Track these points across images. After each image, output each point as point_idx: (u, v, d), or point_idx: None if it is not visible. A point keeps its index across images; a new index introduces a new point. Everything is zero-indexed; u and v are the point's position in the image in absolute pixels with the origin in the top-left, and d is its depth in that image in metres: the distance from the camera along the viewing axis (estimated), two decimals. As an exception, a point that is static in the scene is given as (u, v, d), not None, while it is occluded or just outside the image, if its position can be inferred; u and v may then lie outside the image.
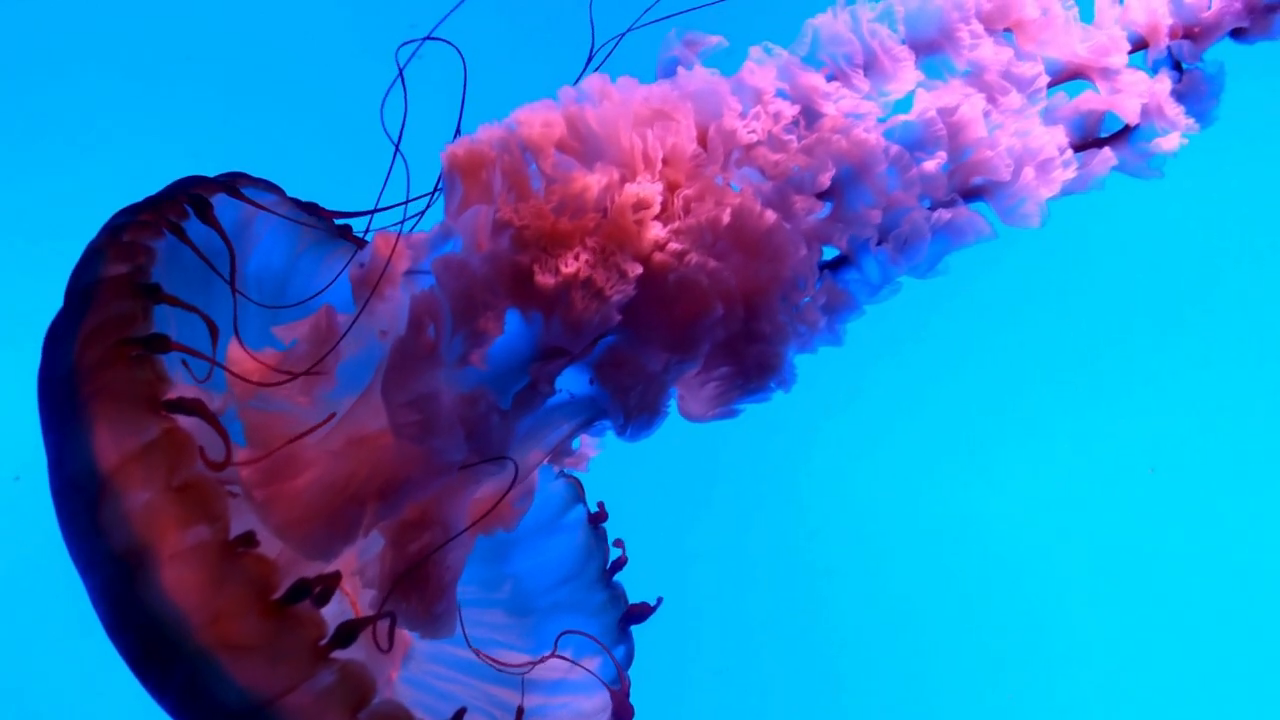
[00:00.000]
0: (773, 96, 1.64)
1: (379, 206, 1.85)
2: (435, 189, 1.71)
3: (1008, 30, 1.75)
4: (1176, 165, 1.86)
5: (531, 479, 1.77)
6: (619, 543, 2.11)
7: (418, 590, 1.61)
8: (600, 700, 1.96)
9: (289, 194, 1.96)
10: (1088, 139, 1.80)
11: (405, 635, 1.85)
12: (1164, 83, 1.79)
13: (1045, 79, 1.73)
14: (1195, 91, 1.81)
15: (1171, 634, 4.14)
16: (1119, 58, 1.75)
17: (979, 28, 1.69)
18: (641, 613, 2.06)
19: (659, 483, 3.84)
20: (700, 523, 4.21)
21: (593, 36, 1.82)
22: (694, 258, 1.56)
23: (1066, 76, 1.78)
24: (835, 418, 4.28)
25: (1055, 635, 4.17)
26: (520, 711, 1.88)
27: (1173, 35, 1.79)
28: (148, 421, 1.47)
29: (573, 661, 1.97)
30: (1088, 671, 4.15)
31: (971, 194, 1.71)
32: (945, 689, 4.12)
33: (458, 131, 1.75)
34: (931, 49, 1.72)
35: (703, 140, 1.62)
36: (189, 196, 1.73)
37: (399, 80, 1.79)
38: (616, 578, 2.11)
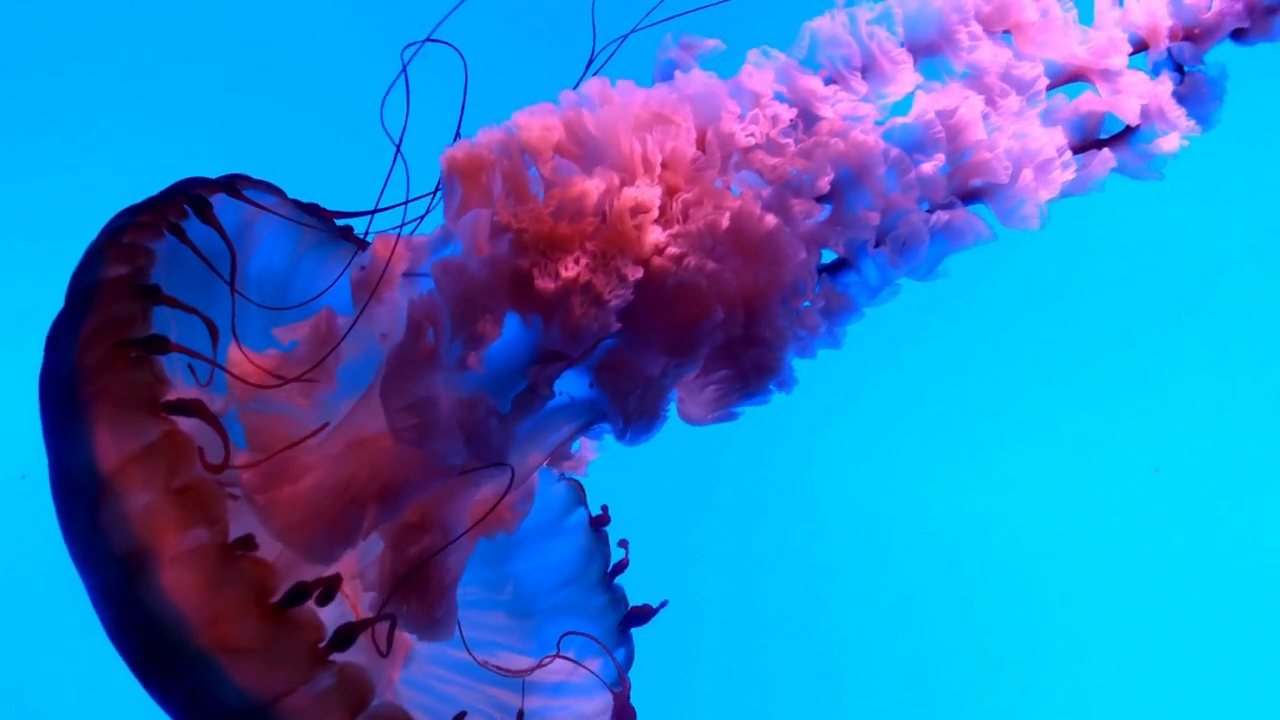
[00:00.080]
0: (771, 99, 1.64)
1: (380, 207, 1.85)
2: (435, 191, 1.71)
3: (1007, 32, 1.74)
4: (1180, 166, 1.85)
5: (531, 481, 1.77)
6: (624, 543, 2.11)
7: (418, 593, 1.61)
8: (601, 703, 1.96)
9: (290, 196, 1.96)
10: (1088, 141, 1.79)
11: (406, 637, 1.85)
12: (1165, 85, 1.79)
13: (1044, 81, 1.72)
14: (1197, 94, 1.81)
15: (1175, 633, 4.14)
16: (1118, 59, 1.74)
17: (978, 29, 1.69)
18: (642, 615, 2.06)
19: (664, 483, 3.84)
20: (704, 523, 4.21)
21: (594, 39, 1.82)
22: (693, 261, 1.56)
23: (1066, 79, 1.78)
24: (839, 418, 4.28)
25: (1059, 635, 4.17)
26: (521, 714, 1.89)
27: (1173, 37, 1.79)
28: (147, 423, 1.47)
29: (576, 662, 1.97)
30: (1092, 671, 4.15)
31: (970, 196, 1.71)
32: (949, 689, 4.12)
33: (458, 133, 1.75)
34: (930, 51, 1.71)
35: (702, 144, 1.62)
36: (189, 197, 1.73)
37: (400, 81, 1.79)
38: (619, 580, 2.11)
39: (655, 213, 1.56)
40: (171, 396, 1.51)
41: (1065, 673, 4.16)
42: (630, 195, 1.54)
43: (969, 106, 1.67)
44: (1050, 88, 1.75)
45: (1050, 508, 4.26)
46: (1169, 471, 4.23)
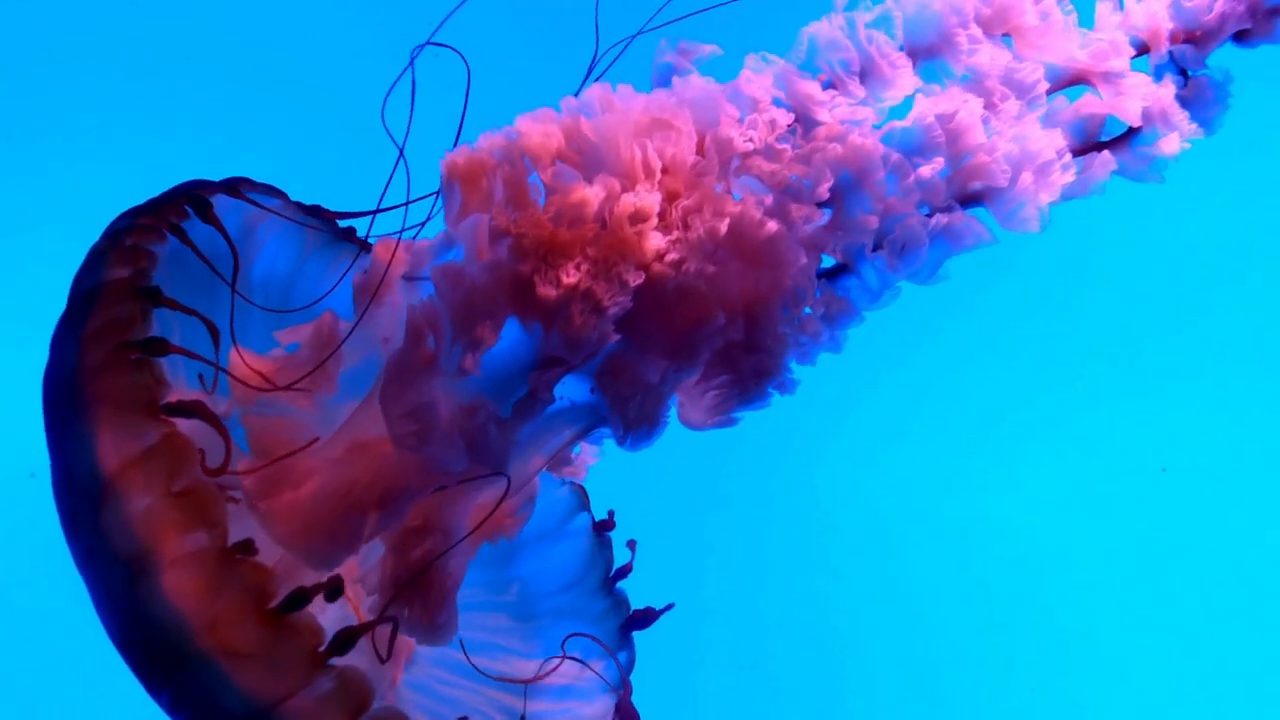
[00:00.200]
0: (769, 104, 1.64)
1: (383, 207, 1.85)
2: (438, 194, 1.71)
3: (1006, 35, 1.74)
4: (1186, 168, 1.85)
5: (533, 485, 1.77)
6: (631, 544, 2.11)
7: (420, 597, 1.61)
8: (602, 706, 1.96)
9: (293, 199, 1.96)
10: (1088, 143, 1.79)
11: (409, 639, 1.85)
12: (1168, 88, 1.78)
13: (1045, 85, 1.72)
14: (1201, 98, 1.80)
15: (1183, 633, 4.14)
16: (1119, 62, 1.74)
17: (977, 32, 1.69)
18: (645, 618, 2.06)
19: (672, 484, 3.84)
20: (712, 524, 4.21)
21: (597, 41, 1.82)
22: (693, 266, 1.56)
23: (1067, 82, 1.77)
24: (848, 420, 4.28)
25: (1067, 635, 4.17)
26: (523, 718, 1.89)
27: (1174, 40, 1.78)
28: (147, 426, 1.48)
29: (583, 662, 1.98)
30: (1100, 670, 4.15)
31: (970, 199, 1.70)
32: (958, 690, 4.12)
33: (459, 136, 1.75)
34: (930, 54, 1.71)
35: (701, 149, 1.62)
36: (190, 198, 1.73)
37: (400, 82, 1.79)
38: (625, 582, 2.11)
39: (655, 220, 1.56)
40: (172, 399, 1.51)
41: (1073, 672, 4.15)
42: (630, 201, 1.54)
43: (968, 110, 1.66)
44: (1050, 91, 1.74)
45: (1058, 508, 4.26)
46: (1176, 471, 4.23)
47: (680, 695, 3.95)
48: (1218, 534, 4.17)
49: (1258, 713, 4.01)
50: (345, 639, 1.43)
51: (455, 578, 1.65)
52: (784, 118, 1.63)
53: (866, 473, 4.24)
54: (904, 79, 1.68)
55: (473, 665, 1.88)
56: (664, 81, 1.69)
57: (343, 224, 2.01)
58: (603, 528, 2.12)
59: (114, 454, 1.46)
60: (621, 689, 2.00)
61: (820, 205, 1.64)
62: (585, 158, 1.60)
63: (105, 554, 1.45)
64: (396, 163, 1.79)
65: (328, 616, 1.71)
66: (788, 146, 1.62)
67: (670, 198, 1.58)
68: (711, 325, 1.57)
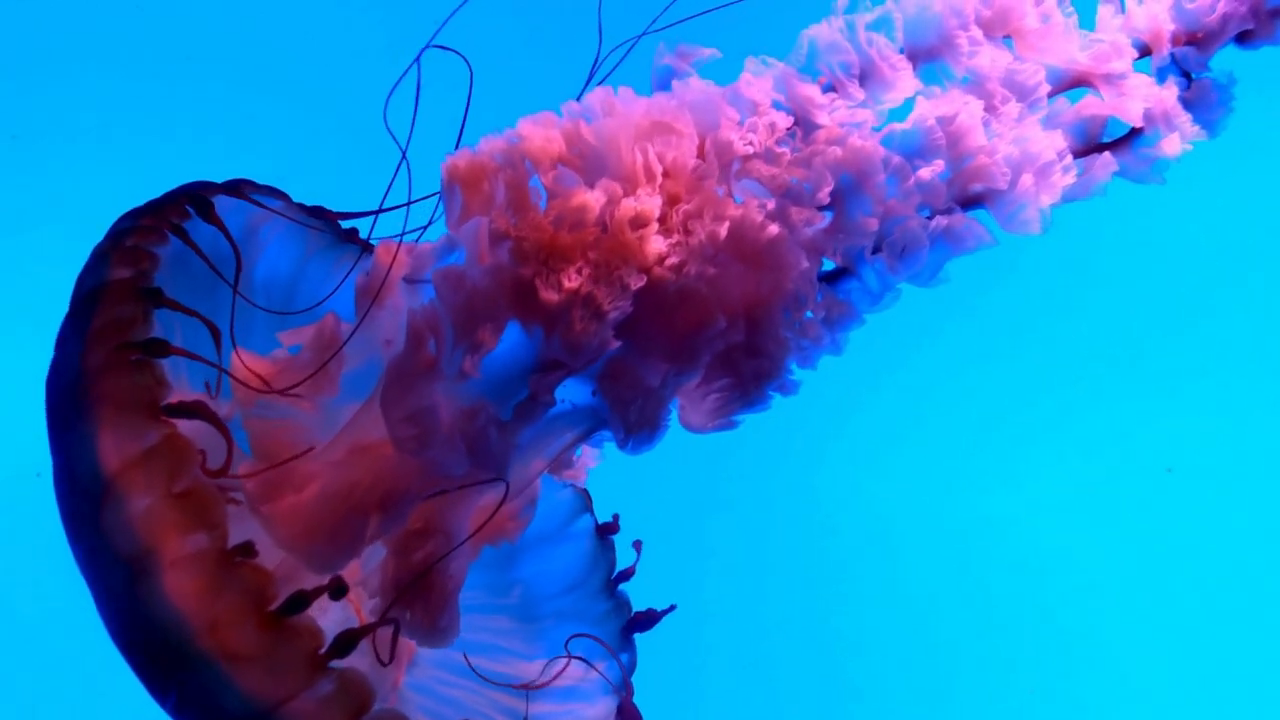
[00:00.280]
0: (768, 108, 1.64)
1: (385, 208, 1.85)
2: (441, 195, 1.71)
3: (1007, 37, 1.73)
4: (1191, 169, 1.85)
5: (534, 488, 1.77)
6: (637, 544, 2.11)
7: (421, 600, 1.61)
8: (604, 707, 1.97)
9: (295, 199, 1.96)
10: (1090, 145, 1.78)
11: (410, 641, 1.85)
12: (1171, 90, 1.78)
13: (1046, 87, 1.71)
14: (1204, 100, 1.79)
15: (1187, 633, 4.13)
16: (1121, 63, 1.73)
17: (978, 34, 1.68)
18: (647, 620, 2.06)
19: (674, 484, 3.84)
20: (715, 524, 4.21)
21: (599, 43, 1.82)
22: (694, 269, 1.56)
23: (1069, 84, 1.77)
24: (850, 422, 4.28)
25: (1070, 636, 4.16)
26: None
27: (1175, 42, 1.77)
28: (148, 427, 1.48)
29: (587, 663, 1.98)
30: (1103, 671, 4.14)
31: (971, 202, 1.70)
32: (960, 691, 4.12)
33: (460, 137, 1.75)
34: (930, 56, 1.70)
35: (702, 152, 1.62)
36: (191, 198, 1.73)
37: (405, 81, 1.79)
38: (628, 584, 2.11)
39: (655, 224, 1.56)
40: (173, 400, 1.51)
41: (1075, 674, 4.15)
42: (630, 206, 1.54)
43: (969, 112, 1.66)
44: (1052, 94, 1.74)
45: (1060, 509, 4.25)
46: (1181, 472, 4.23)
47: (683, 696, 3.95)
48: (1221, 535, 4.17)
49: (1260, 713, 4.00)
50: (346, 641, 1.44)
51: (457, 580, 1.65)
52: (783, 121, 1.63)
53: (868, 474, 4.24)
54: (904, 81, 1.68)
55: (473, 668, 1.88)
56: (664, 84, 1.69)
57: (345, 225, 2.01)
58: (606, 530, 2.13)
59: (115, 454, 1.47)
60: (624, 690, 2.00)
61: (821, 208, 1.64)
62: (587, 161, 1.60)
63: (106, 554, 1.46)
64: (399, 165, 1.79)
65: (330, 618, 1.72)
66: (787, 150, 1.62)
67: (671, 201, 1.58)
68: (712, 328, 1.57)
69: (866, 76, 1.68)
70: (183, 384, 1.70)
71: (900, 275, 1.67)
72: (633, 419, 1.61)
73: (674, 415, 1.69)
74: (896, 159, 1.64)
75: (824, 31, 1.67)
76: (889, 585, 4.16)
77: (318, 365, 1.66)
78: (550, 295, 1.53)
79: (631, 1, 1.89)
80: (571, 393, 1.68)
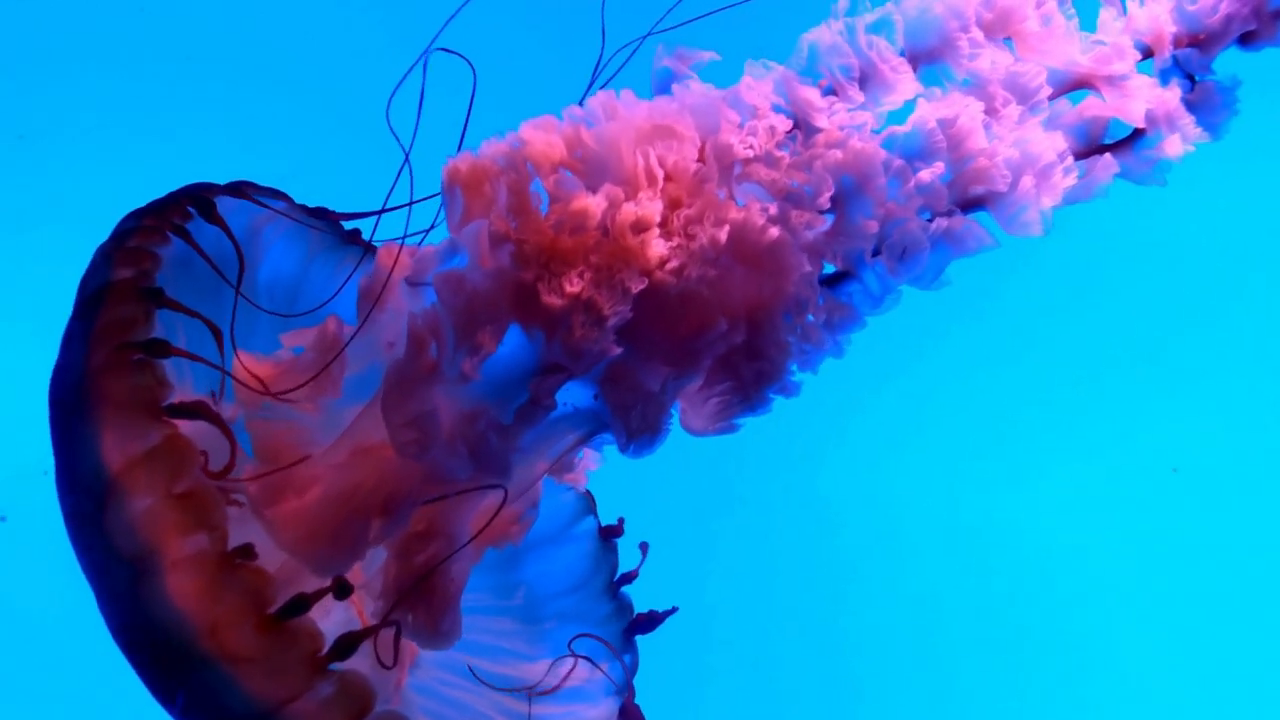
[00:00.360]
0: (769, 111, 1.63)
1: (389, 207, 1.85)
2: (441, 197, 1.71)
3: (1008, 39, 1.73)
4: (1195, 171, 1.84)
5: (536, 490, 1.77)
6: (643, 546, 2.11)
7: (423, 602, 1.61)
8: (606, 709, 1.97)
9: (299, 201, 1.96)
10: (1091, 147, 1.78)
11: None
12: (1174, 92, 1.77)
13: (1048, 90, 1.71)
14: (1208, 102, 1.79)
15: (1193, 632, 4.13)
16: (1122, 65, 1.73)
17: (979, 36, 1.68)
18: (649, 622, 2.06)
19: (679, 486, 3.85)
20: (721, 525, 4.21)
21: (603, 45, 1.81)
22: (695, 272, 1.56)
23: (1070, 86, 1.76)
24: (858, 421, 4.28)
25: (1077, 635, 4.17)
26: (527, 720, 1.90)
27: (1177, 44, 1.77)
28: (150, 427, 1.48)
29: (592, 662, 1.98)
30: (1110, 668, 4.14)
31: (972, 204, 1.69)
32: (967, 691, 4.12)
33: (463, 138, 1.75)
34: (931, 58, 1.70)
35: (703, 156, 1.62)
36: (193, 199, 1.73)
37: (409, 81, 1.79)
38: (632, 586, 2.11)
39: (656, 229, 1.55)
40: (175, 400, 1.52)
41: (1083, 672, 4.15)
42: (631, 210, 1.54)
43: (969, 114, 1.66)
44: (1053, 96, 1.74)
45: (1067, 509, 4.26)
46: (1187, 471, 4.23)
47: (687, 697, 3.95)
48: (1226, 534, 4.17)
49: (1266, 713, 4.00)
50: (346, 644, 1.44)
51: (459, 583, 1.65)
52: (783, 124, 1.63)
53: (874, 475, 4.25)
54: (905, 84, 1.67)
55: (475, 670, 1.88)
56: (664, 87, 1.69)
57: (348, 226, 2.01)
58: (610, 533, 2.12)
59: (118, 454, 1.47)
60: (626, 692, 2.00)
61: (822, 211, 1.63)
62: (588, 165, 1.59)
63: (110, 554, 1.46)
64: (402, 166, 1.79)
65: (333, 620, 1.72)
66: (786, 154, 1.62)
67: (673, 205, 1.58)
68: (713, 331, 1.57)
69: (867, 79, 1.68)
70: (186, 386, 1.71)
71: (901, 277, 1.67)
72: (634, 423, 1.61)
73: (675, 418, 1.69)
74: (898, 162, 1.64)
75: (824, 35, 1.66)
76: (894, 585, 4.16)
77: (320, 368, 1.66)
78: (552, 300, 1.53)
79: (636, 2, 1.89)
80: (573, 396, 1.67)
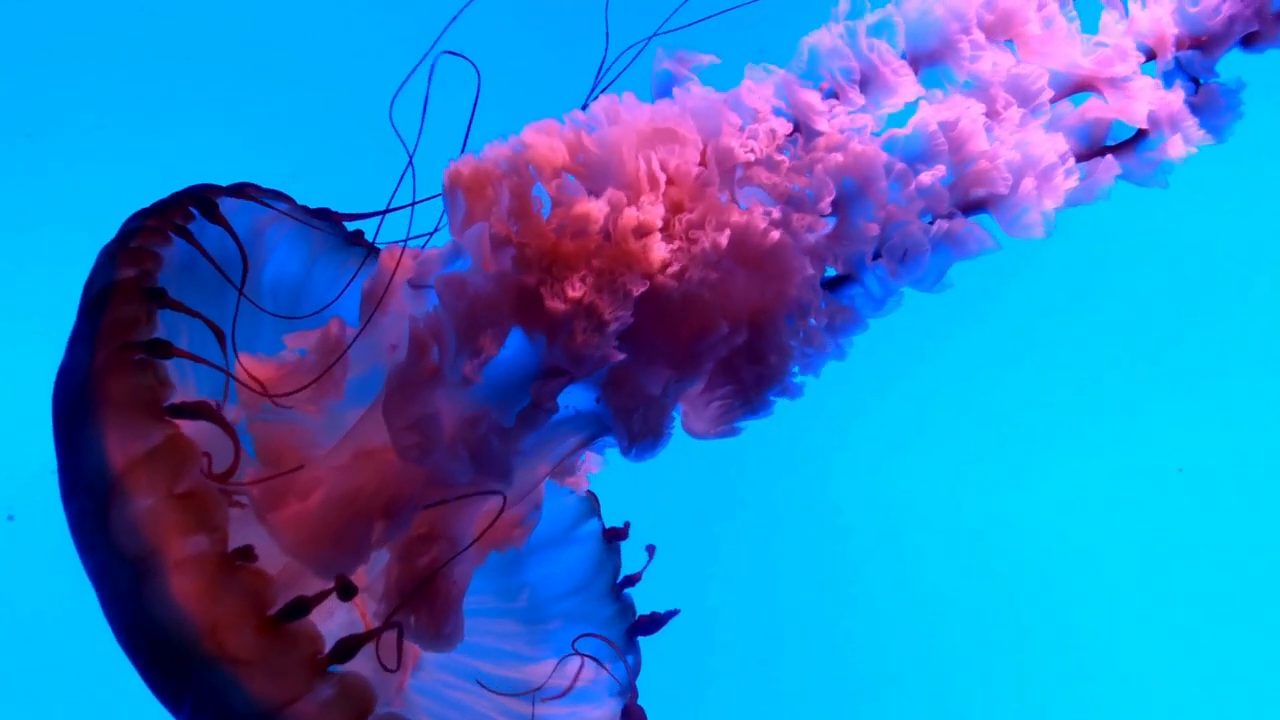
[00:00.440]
0: (769, 114, 1.63)
1: (392, 207, 1.85)
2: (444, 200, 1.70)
3: (1010, 41, 1.73)
4: (1202, 173, 1.84)
5: (538, 493, 1.77)
6: (650, 549, 2.11)
7: (426, 605, 1.62)
8: (609, 709, 1.97)
9: (305, 202, 1.96)
10: (1094, 148, 1.77)
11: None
12: (1177, 94, 1.77)
13: (1049, 92, 1.71)
14: (1212, 104, 1.78)
15: (1198, 632, 4.13)
16: (1124, 66, 1.73)
17: (980, 38, 1.68)
18: (651, 623, 2.06)
19: (684, 487, 3.85)
20: (726, 526, 4.21)
21: (606, 46, 1.81)
22: (696, 274, 1.56)
23: (1072, 89, 1.76)
24: (863, 421, 4.28)
25: (1083, 635, 4.16)
26: (530, 721, 1.90)
27: (1180, 46, 1.76)
28: (151, 427, 1.49)
29: (598, 662, 1.98)
30: (1115, 670, 4.14)
31: (974, 206, 1.69)
32: (973, 692, 4.12)
33: (466, 141, 1.75)
34: (932, 61, 1.70)
35: (705, 159, 1.62)
36: (195, 199, 1.73)
37: (413, 81, 1.79)
38: (637, 587, 2.11)
39: (658, 233, 1.55)
40: (176, 401, 1.52)
41: (1089, 673, 4.15)
42: (632, 216, 1.54)
43: (971, 117, 1.65)
44: (1055, 98, 1.73)
45: (1073, 509, 4.25)
46: (1192, 472, 4.22)
47: (692, 698, 3.95)
48: (1232, 534, 4.16)
49: (1272, 713, 4.00)
50: (346, 647, 1.44)
51: (461, 585, 1.65)
52: (783, 127, 1.63)
53: (879, 477, 4.24)
54: (907, 86, 1.67)
55: (477, 672, 1.89)
56: (664, 89, 1.69)
57: (351, 227, 2.01)
58: (613, 535, 2.12)
59: (120, 454, 1.48)
60: (630, 693, 2.00)
61: (824, 215, 1.63)
62: (591, 169, 1.59)
63: (112, 554, 1.46)
64: (406, 168, 1.79)
65: (335, 622, 1.72)
66: (787, 157, 1.62)
67: (675, 209, 1.58)
68: (715, 334, 1.57)
69: (869, 82, 1.68)
70: (190, 388, 1.71)
71: (902, 280, 1.67)
72: (636, 427, 1.62)
73: (677, 421, 1.69)
74: (899, 165, 1.63)
75: (824, 38, 1.66)
76: (898, 587, 4.16)
77: (322, 370, 1.66)
78: (555, 304, 1.53)
79: (641, 3, 1.89)
80: (575, 398, 1.68)
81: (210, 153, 4.00)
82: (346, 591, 1.49)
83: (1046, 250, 2.01)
